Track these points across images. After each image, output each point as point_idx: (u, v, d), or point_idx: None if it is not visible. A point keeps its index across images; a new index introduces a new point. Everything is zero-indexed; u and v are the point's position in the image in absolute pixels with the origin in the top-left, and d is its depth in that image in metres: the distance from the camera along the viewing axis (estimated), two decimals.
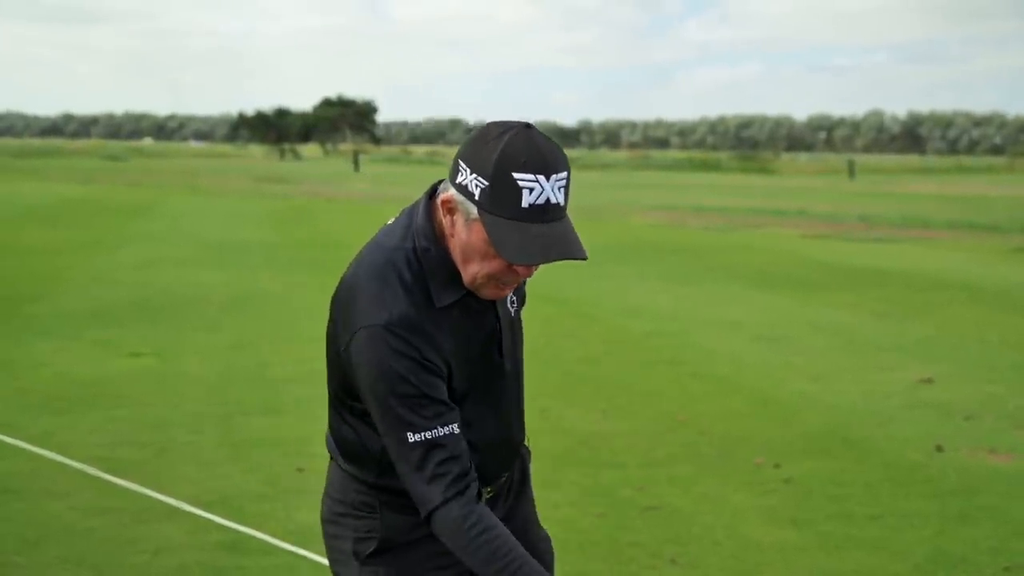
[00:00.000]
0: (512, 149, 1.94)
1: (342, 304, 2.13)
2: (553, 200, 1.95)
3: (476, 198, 1.96)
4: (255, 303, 11.95)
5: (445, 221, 2.05)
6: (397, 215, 2.20)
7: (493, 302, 2.19)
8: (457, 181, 1.99)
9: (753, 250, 19.28)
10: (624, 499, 5.40)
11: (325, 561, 4.59)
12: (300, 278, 14.19)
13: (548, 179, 1.94)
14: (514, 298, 2.29)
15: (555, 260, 1.96)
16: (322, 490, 5.77)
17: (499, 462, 2.29)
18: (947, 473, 5.98)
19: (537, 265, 2.01)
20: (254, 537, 4.85)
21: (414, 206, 2.16)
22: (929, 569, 4.62)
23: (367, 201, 32.73)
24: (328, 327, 2.20)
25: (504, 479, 2.34)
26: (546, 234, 1.95)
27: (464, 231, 2.02)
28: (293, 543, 4.76)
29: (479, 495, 2.11)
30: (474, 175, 1.96)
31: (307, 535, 4.87)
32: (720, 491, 5.64)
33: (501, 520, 2.20)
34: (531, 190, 1.93)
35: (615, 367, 8.69)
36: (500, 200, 1.93)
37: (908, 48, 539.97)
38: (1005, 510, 5.37)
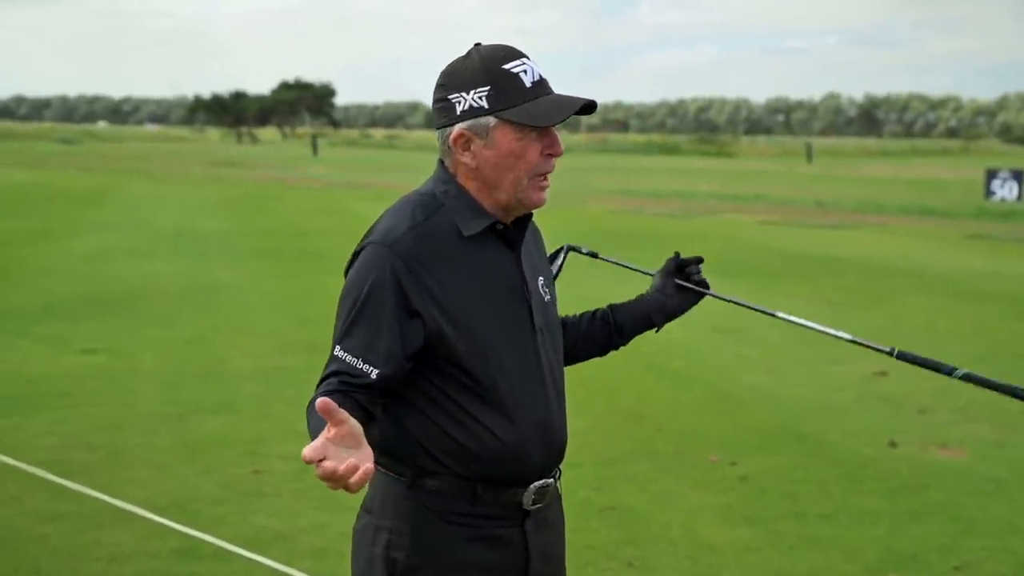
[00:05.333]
0: (487, 52, 2.09)
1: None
2: (543, 76, 2.12)
3: (487, 107, 2.05)
4: (211, 295, 11.83)
5: (464, 159, 2.10)
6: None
7: (519, 261, 2.18)
8: (459, 112, 2.07)
9: (711, 237, 19.38)
10: (581, 499, 5.41)
11: (281, 567, 4.62)
12: (257, 268, 14.06)
13: (529, 59, 2.11)
14: (547, 288, 2.27)
15: (579, 108, 2.08)
16: (277, 493, 5.73)
17: (543, 453, 2.16)
18: (899, 469, 6.05)
19: (559, 152, 2.11)
20: (209, 543, 4.80)
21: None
22: (880, 568, 4.68)
23: (326, 187, 32.52)
24: None
25: (550, 488, 2.21)
26: (557, 98, 2.10)
27: (488, 149, 2.08)
28: (249, 549, 4.73)
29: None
30: (471, 92, 2.06)
31: (263, 540, 4.85)
32: (676, 490, 5.68)
33: (539, 551, 2.17)
34: (525, 71, 2.08)
35: None
36: (508, 93, 2.05)
37: (860, 31, 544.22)
38: (955, 507, 5.45)
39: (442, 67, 2.16)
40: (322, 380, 2.04)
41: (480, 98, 2.05)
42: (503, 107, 2.05)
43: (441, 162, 2.16)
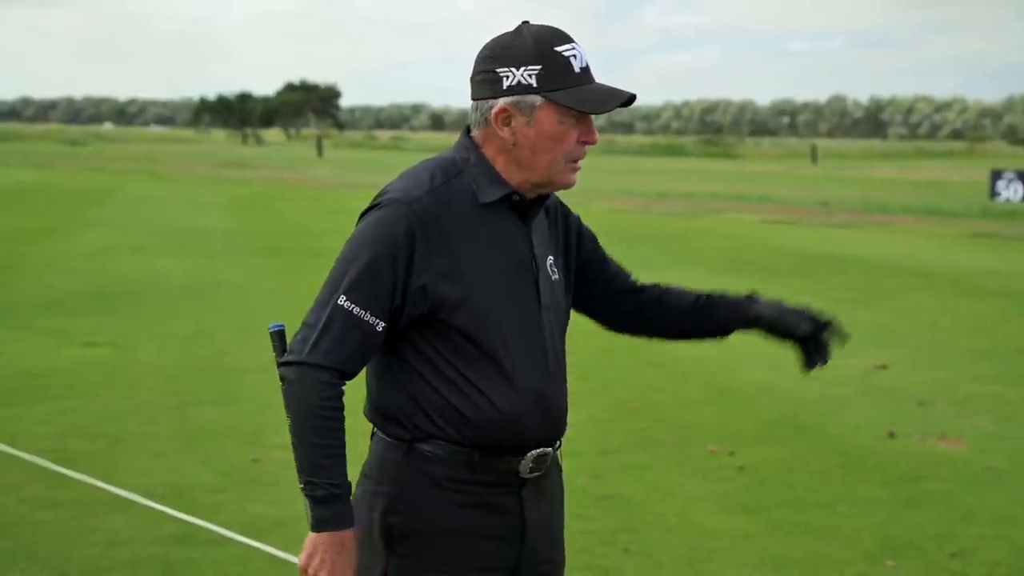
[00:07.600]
0: (541, 31, 2.10)
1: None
2: (589, 63, 2.13)
3: (535, 85, 2.06)
4: (214, 291, 11.86)
5: (502, 134, 2.10)
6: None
7: (530, 238, 2.18)
8: (505, 87, 2.08)
9: (715, 236, 19.38)
10: (578, 488, 5.40)
11: (278, 552, 4.62)
12: (260, 266, 14.09)
13: (578, 45, 2.12)
14: (555, 268, 2.27)
15: (624, 101, 2.11)
16: (276, 482, 5.74)
17: (540, 424, 2.16)
18: (898, 459, 6.05)
19: (594, 140, 2.15)
20: (206, 529, 4.82)
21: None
22: (877, 555, 4.67)
23: (330, 187, 32.56)
24: None
25: (548, 457, 2.20)
26: (602, 88, 2.12)
27: (530, 128, 2.09)
28: (246, 535, 4.74)
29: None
30: (522, 69, 2.07)
31: (260, 527, 4.85)
32: (674, 479, 5.68)
33: (535, 520, 2.18)
34: (575, 56, 2.10)
35: (574, 355, 8.68)
36: (557, 75, 2.07)
37: (864, 34, 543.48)
38: (952, 496, 5.45)
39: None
40: (324, 327, 2.04)
41: (530, 76, 2.06)
42: (552, 88, 2.06)
43: (467, 131, 2.18)
